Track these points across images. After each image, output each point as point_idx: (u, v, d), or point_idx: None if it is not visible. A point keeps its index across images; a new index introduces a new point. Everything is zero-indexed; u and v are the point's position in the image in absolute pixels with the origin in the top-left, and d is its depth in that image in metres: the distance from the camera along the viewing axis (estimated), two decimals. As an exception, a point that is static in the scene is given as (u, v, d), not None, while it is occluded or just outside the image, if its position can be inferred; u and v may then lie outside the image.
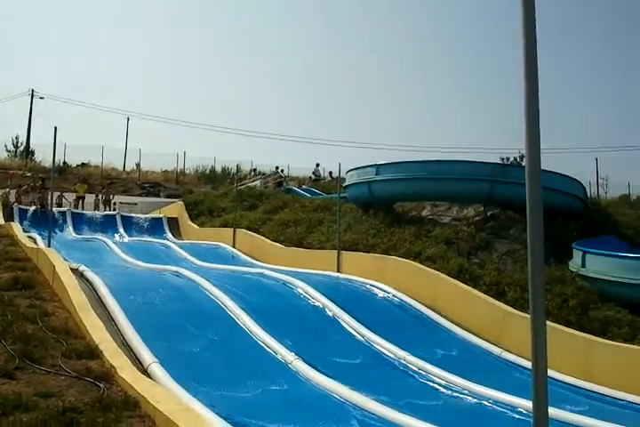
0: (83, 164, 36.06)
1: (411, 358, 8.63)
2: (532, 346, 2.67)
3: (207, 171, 36.70)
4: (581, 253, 10.87)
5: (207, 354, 8.01)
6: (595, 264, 10.50)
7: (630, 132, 64.99)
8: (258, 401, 6.73)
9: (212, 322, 9.15)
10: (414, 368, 8.43)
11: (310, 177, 31.23)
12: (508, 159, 26.53)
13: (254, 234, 16.93)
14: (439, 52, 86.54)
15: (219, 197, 23.30)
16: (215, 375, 7.40)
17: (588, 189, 18.48)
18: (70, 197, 23.77)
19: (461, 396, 7.60)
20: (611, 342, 8.75)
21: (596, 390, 8.16)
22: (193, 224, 20.75)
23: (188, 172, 36.26)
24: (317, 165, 31.30)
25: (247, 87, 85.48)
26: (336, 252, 13.58)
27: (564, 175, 14.77)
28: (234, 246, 17.02)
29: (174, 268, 12.67)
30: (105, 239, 17.70)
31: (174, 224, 21.43)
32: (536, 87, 2.76)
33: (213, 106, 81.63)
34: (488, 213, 14.16)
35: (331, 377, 7.44)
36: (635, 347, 8.49)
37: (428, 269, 11.70)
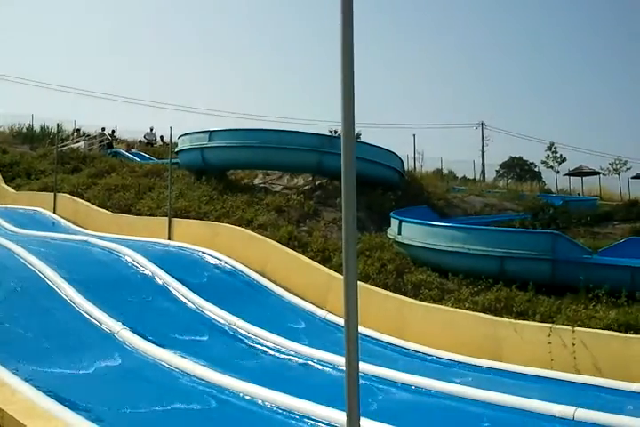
0: None
1: (240, 322, 8.83)
2: (345, 305, 2.85)
3: (24, 129, 33.60)
4: (398, 221, 11.61)
5: (23, 327, 7.53)
6: (409, 232, 11.32)
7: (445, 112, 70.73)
8: (81, 372, 6.51)
9: (28, 293, 8.59)
10: (244, 332, 8.65)
11: (141, 141, 29.95)
12: (336, 132, 27.46)
13: (77, 199, 15.98)
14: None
15: (37, 159, 21.51)
16: (34, 350, 7.00)
17: (405, 163, 19.76)
18: None
19: (289, 357, 7.95)
20: (421, 303, 9.59)
21: (407, 346, 8.87)
22: (8, 187, 19.00)
23: (1, 130, 32.92)
24: (151, 129, 30.06)
25: (72, 39, 78.98)
26: (167, 219, 13.32)
27: (383, 148, 15.36)
28: (54, 212, 15.94)
29: (-15, 235, 11.62)
30: None
31: (-15, 187, 19.50)
32: (351, 62, 2.89)
33: (32, 58, 74.48)
34: (317, 183, 14.70)
35: (160, 345, 7.40)
36: (442, 307, 9.40)
37: (259, 236, 11.94)
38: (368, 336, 8.97)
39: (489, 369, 8.04)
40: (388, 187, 14.52)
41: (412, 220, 11.46)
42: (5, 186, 19.10)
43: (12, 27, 77.05)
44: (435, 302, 9.72)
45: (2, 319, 7.59)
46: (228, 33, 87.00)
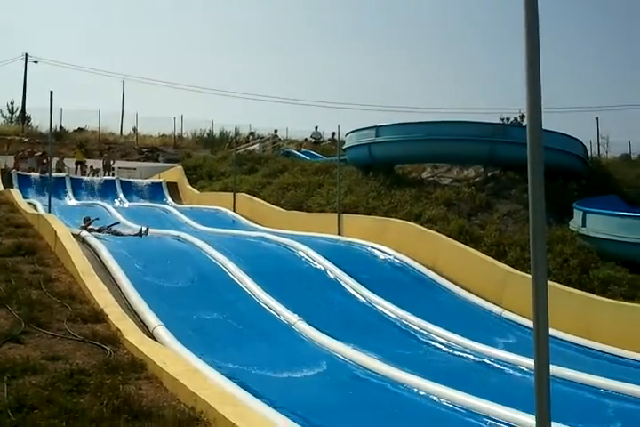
0: (80, 129, 35.68)
1: (412, 317, 8.72)
2: (534, 305, 2.68)
3: (205, 135, 36.36)
4: (582, 212, 10.84)
5: (210, 317, 8.10)
6: (595, 223, 10.47)
7: (631, 92, 64.39)
8: (262, 361, 6.82)
9: (214, 285, 9.24)
10: (415, 328, 8.53)
11: (306, 139, 31.04)
12: (508, 119, 26.21)
13: (254, 198, 16.92)
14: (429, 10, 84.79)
15: (217, 162, 23.20)
16: (219, 338, 7.49)
17: (588, 149, 18.35)
18: (69, 162, 23.73)
19: (463, 354, 7.70)
20: (611, 301, 8.79)
21: (595, 347, 8.24)
22: (192, 189, 20.72)
23: (185, 136, 35.92)
24: (316, 128, 31.07)
25: (241, 49, 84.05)
26: (336, 215, 13.58)
27: (564, 134, 14.57)
28: (234, 210, 17.03)
29: (175, 232, 12.72)
30: (105, 204, 17.70)
31: (174, 189, 21.42)
32: (537, 45, 2.68)
33: (210, 69, 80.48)
34: (488, 174, 14.11)
35: (334, 337, 7.53)
36: (635, 305, 8.54)
37: (429, 230, 11.72)
38: (551, 335, 8.37)
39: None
40: (570, 175, 13.64)
41: (598, 210, 10.59)
42: (190, 187, 20.81)
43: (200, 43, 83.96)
44: (626, 299, 8.85)
45: (192, 310, 8.20)
46: (393, 29, 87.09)
